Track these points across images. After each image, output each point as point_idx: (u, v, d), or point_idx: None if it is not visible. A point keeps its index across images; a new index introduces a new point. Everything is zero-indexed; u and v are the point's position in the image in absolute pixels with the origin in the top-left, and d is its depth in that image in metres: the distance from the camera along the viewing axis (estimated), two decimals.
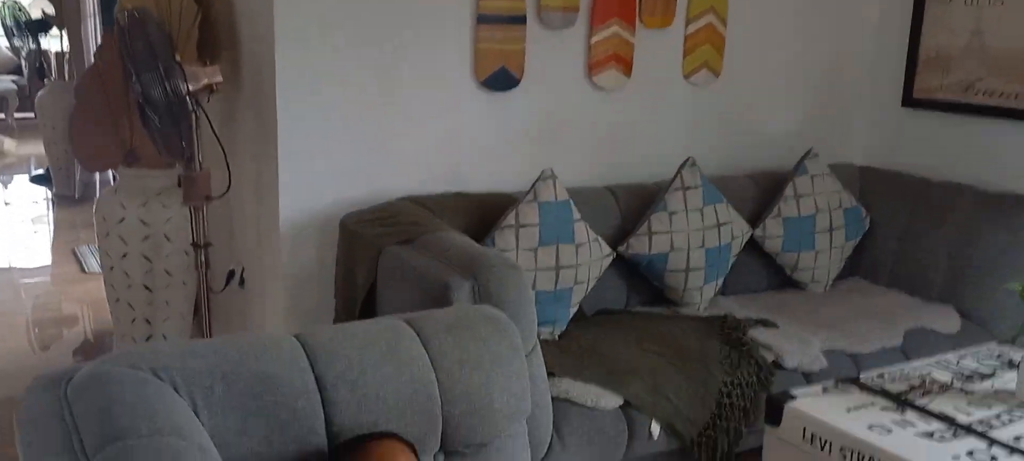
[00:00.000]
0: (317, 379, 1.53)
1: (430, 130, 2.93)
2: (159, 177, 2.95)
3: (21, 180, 7.24)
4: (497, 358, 1.69)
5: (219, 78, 2.57)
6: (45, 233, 5.84)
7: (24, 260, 5.20)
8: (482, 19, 2.93)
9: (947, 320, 2.96)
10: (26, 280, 4.74)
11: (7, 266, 5.02)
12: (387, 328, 1.67)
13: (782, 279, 3.25)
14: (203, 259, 2.69)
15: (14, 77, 9.59)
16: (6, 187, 7.14)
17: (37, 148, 7.93)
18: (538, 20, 3.02)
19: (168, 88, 2.44)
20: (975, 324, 2.97)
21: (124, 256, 2.94)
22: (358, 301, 2.48)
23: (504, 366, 1.69)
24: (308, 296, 2.83)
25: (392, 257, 2.36)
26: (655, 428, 2.35)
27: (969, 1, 3.37)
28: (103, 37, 2.94)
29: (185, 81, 2.47)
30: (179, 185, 2.70)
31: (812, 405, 1.95)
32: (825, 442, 1.86)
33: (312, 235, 2.79)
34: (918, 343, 2.80)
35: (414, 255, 2.30)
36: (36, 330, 3.95)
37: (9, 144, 8.11)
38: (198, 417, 1.41)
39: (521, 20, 3.00)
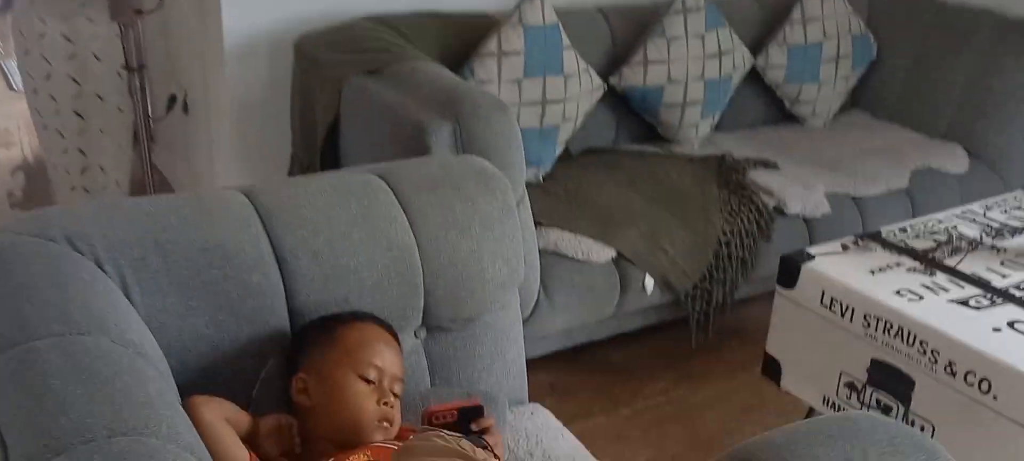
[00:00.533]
0: (274, 247, 1.27)
1: None
2: None
3: None
4: (487, 220, 1.43)
5: None
6: None
7: None
8: None
9: (955, 159, 2.77)
10: None
11: None
12: (357, 184, 1.39)
13: (780, 112, 3.00)
14: (138, 83, 2.34)
15: None
16: None
17: None
18: None
19: None
20: (984, 164, 2.78)
21: (48, 77, 2.57)
22: (318, 139, 2.19)
23: (495, 229, 1.44)
24: (259, 126, 2.52)
25: (357, 90, 2.05)
26: (649, 282, 2.16)
27: None
28: None
29: None
30: None
31: (832, 266, 1.75)
32: (847, 308, 1.68)
33: (262, 57, 2.45)
34: (925, 184, 2.62)
35: (383, 89, 1.99)
36: None
37: None
38: (129, 298, 1.15)
39: None
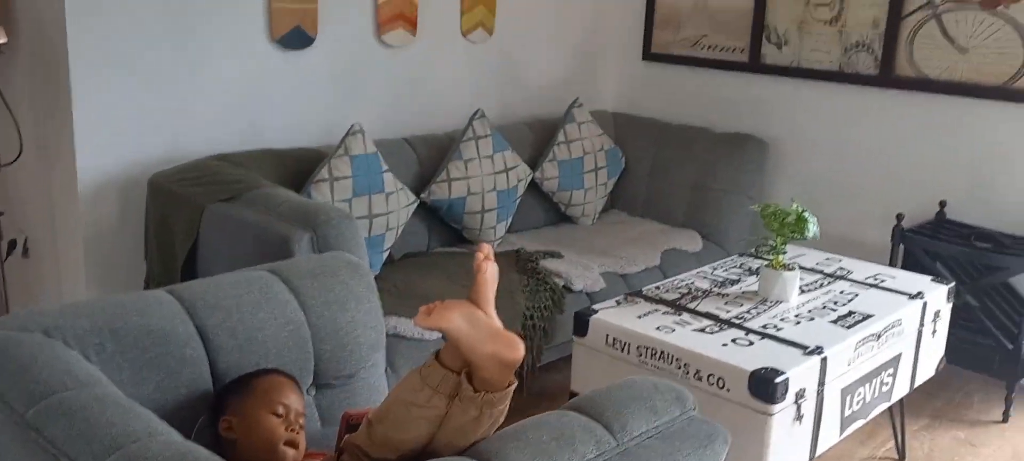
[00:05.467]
0: (198, 328, 1.64)
1: (229, 88, 2.96)
2: None
3: None
4: (358, 297, 1.88)
5: (2, 38, 2.43)
6: None
7: None
8: None
9: (692, 240, 3.53)
10: None
11: None
12: (256, 278, 1.80)
13: (558, 215, 3.67)
14: None
15: None
16: None
17: None
18: None
19: None
20: (712, 243, 3.58)
21: None
22: (178, 260, 2.51)
23: (364, 304, 1.89)
24: (111, 258, 2.79)
25: (217, 214, 2.43)
26: None
27: None
28: None
29: None
30: None
31: (611, 316, 2.34)
32: (624, 344, 2.26)
33: (113, 195, 2.74)
34: (672, 261, 3.34)
35: (243, 211, 2.39)
36: None
37: None
38: None
39: None
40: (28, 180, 2.90)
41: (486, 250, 1.36)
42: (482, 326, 1.29)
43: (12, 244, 2.94)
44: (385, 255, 2.94)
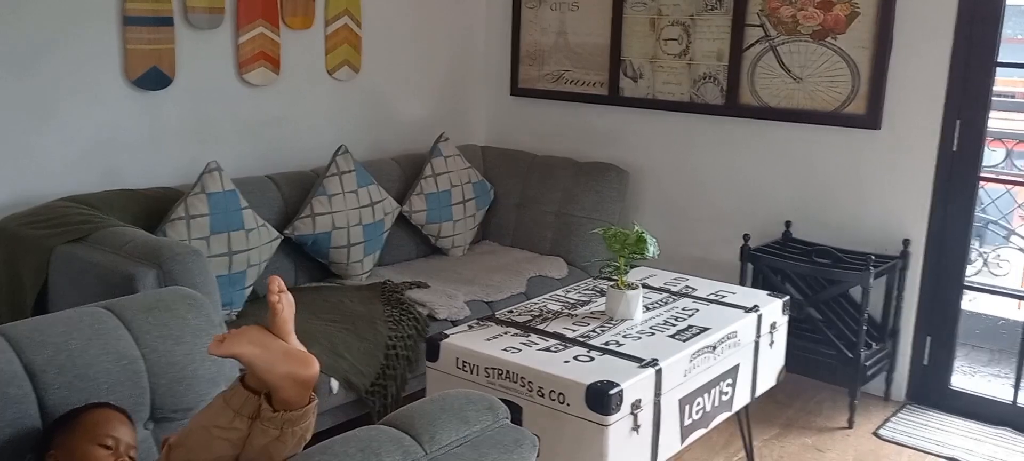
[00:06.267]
0: (25, 366, 1.64)
1: (83, 130, 2.95)
2: None
3: None
4: (196, 331, 1.91)
5: None
6: None
7: None
8: (129, 21, 3.01)
9: (558, 267, 3.67)
10: None
11: None
12: (87, 315, 1.81)
13: (429, 247, 3.75)
14: None
15: None
16: None
17: None
18: (185, 21, 3.16)
19: None
20: (578, 268, 3.72)
21: None
22: (28, 304, 2.48)
23: (203, 337, 1.91)
24: None
25: (65, 256, 2.41)
26: (334, 384, 2.69)
27: (554, 6, 4.13)
28: None
29: None
30: None
31: (461, 340, 2.42)
32: (473, 366, 2.35)
33: None
34: (538, 287, 3.46)
35: (90, 251, 2.38)
36: None
37: None
38: None
39: (168, 21, 3.11)
40: None
41: (277, 283, 1.42)
42: (274, 348, 1.35)
43: None
44: (248, 291, 2.95)
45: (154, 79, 3.10)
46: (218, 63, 3.30)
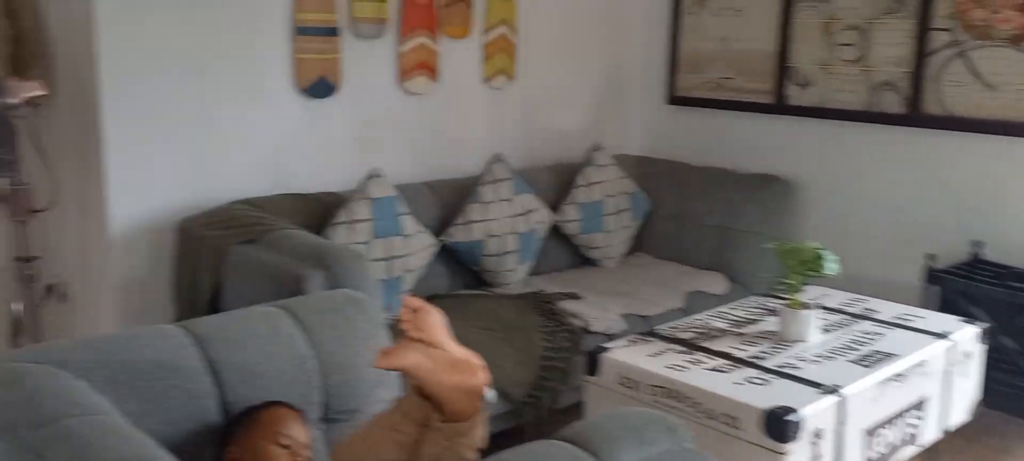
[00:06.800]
0: (208, 362, 1.68)
1: (256, 136, 3.05)
2: None
3: None
4: (364, 333, 1.91)
5: (42, 91, 2.55)
6: None
7: None
8: (300, 31, 3.10)
9: (717, 283, 3.51)
10: None
11: None
12: (265, 314, 1.83)
13: (580, 257, 3.68)
14: (32, 273, 2.65)
15: None
16: None
17: None
18: (351, 31, 3.23)
19: None
20: (739, 284, 3.54)
21: None
22: (203, 303, 2.58)
23: (369, 340, 1.91)
24: (140, 302, 2.86)
25: (239, 256, 2.49)
26: (490, 393, 2.65)
27: (716, 11, 3.98)
28: None
29: (7, 96, 2.44)
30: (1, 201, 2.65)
31: (623, 354, 2.33)
32: (636, 382, 2.25)
33: (142, 242, 2.83)
34: (696, 303, 3.31)
35: (262, 253, 2.45)
36: None
37: None
38: None
39: (335, 31, 3.19)
40: (63, 227, 3.01)
41: (412, 304, 1.36)
42: (440, 358, 1.31)
43: (49, 289, 3.04)
44: (405, 295, 2.97)
45: (321, 88, 3.18)
46: (380, 72, 3.36)
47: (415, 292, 3.07)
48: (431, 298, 3.15)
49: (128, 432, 1.31)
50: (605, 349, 2.36)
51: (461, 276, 3.31)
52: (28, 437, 1.28)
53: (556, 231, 3.56)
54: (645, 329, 3.06)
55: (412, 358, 1.29)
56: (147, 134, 2.79)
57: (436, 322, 1.36)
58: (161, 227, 2.83)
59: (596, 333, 2.98)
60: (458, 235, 3.19)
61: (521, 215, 3.31)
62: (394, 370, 1.30)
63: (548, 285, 3.31)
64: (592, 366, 2.34)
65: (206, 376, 1.66)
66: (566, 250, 3.64)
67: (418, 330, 1.32)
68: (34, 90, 2.54)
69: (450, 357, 1.32)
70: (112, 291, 2.83)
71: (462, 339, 2.76)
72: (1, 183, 2.64)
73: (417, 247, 2.98)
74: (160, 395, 1.59)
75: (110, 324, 2.88)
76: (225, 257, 2.51)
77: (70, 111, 2.86)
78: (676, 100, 4.19)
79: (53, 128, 2.94)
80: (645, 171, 3.98)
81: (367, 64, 3.30)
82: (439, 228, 3.22)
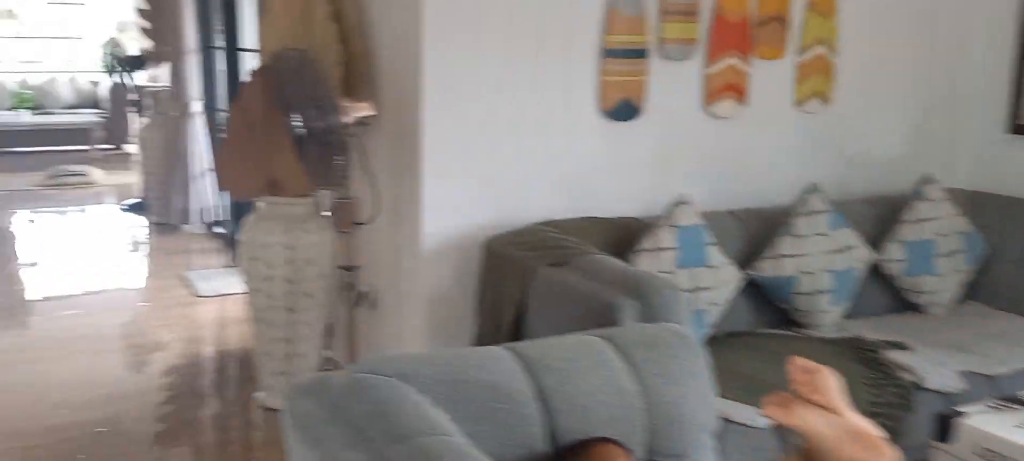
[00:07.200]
0: (538, 389, 1.61)
1: (559, 159, 3.04)
2: (299, 206, 3.08)
3: (111, 209, 7.48)
4: (690, 373, 1.76)
5: (371, 111, 2.70)
6: (153, 258, 6.05)
7: (133, 283, 5.44)
8: (608, 53, 3.04)
9: None
10: (141, 303, 4.95)
11: (118, 288, 5.26)
12: (588, 343, 1.75)
13: (902, 302, 3.28)
14: (352, 281, 2.80)
15: (94, 111, 9.93)
16: (84, 214, 7.44)
17: (122, 178, 8.20)
18: (658, 53, 3.12)
19: (327, 122, 2.57)
20: None
21: (267, 279, 3.07)
22: (507, 323, 2.57)
23: (696, 380, 1.76)
24: (446, 316, 2.94)
25: (546, 279, 2.46)
26: None
27: None
28: (251, 78, 3.10)
29: (341, 115, 2.61)
30: (329, 213, 2.83)
31: (983, 422, 1.99)
32: (1004, 457, 1.90)
33: (451, 257, 2.90)
34: None
35: (571, 277, 2.39)
36: (176, 348, 4.12)
37: (97, 174, 8.40)
38: None
39: (643, 53, 3.10)
40: (380, 239, 3.18)
41: (804, 367, 1.23)
42: (841, 426, 1.12)
43: (361, 296, 3.22)
44: (707, 332, 2.79)
45: (624, 111, 3.11)
46: (685, 94, 3.22)
47: (718, 328, 2.88)
48: (734, 336, 2.95)
49: (476, 456, 1.27)
50: (960, 413, 2.03)
51: (765, 313, 3.06)
52: (385, 451, 1.28)
53: (875, 271, 3.20)
54: (988, 390, 2.65)
55: (813, 420, 1.12)
56: (460, 154, 2.86)
57: (834, 386, 1.19)
58: (468, 244, 2.88)
59: (930, 390, 2.61)
60: (767, 269, 2.95)
61: (838, 252, 3.00)
62: (789, 426, 1.13)
63: (868, 330, 2.97)
64: (943, 431, 2.02)
65: (534, 403, 1.60)
66: (886, 293, 3.26)
67: (816, 392, 1.15)
68: (364, 111, 2.69)
69: (853, 427, 1.14)
70: (419, 302, 2.93)
71: (772, 385, 2.54)
72: (331, 196, 2.82)
73: (722, 280, 2.79)
74: (490, 418, 1.55)
75: (415, 334, 2.98)
76: (532, 278, 2.49)
77: (392, 130, 3.02)
78: (1020, 129, 3.64)
79: (377, 145, 3.12)
80: (981, 208, 3.49)
81: (672, 87, 3.18)
82: (743, 260, 3.00)
